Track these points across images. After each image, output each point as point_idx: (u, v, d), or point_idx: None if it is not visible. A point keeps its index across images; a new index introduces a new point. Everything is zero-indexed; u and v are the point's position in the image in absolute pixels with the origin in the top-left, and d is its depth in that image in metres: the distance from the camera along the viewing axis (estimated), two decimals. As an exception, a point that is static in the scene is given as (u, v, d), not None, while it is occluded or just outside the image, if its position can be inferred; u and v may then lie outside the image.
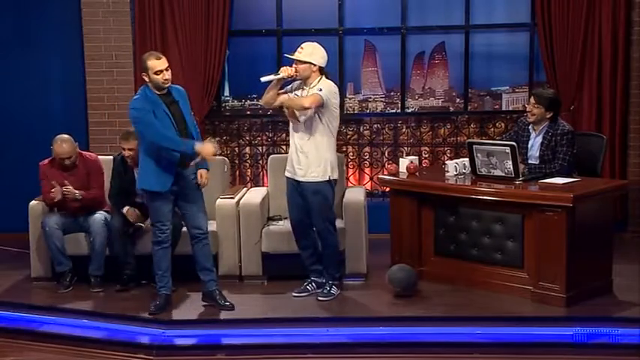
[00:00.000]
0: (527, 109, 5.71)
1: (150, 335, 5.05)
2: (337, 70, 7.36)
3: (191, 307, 5.39)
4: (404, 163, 6.04)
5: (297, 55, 5.31)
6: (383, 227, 6.17)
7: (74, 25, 7.19)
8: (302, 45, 5.35)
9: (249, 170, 7.61)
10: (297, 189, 5.43)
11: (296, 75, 5.32)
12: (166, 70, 5.23)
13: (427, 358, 4.83)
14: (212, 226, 5.86)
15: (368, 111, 7.59)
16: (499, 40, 7.37)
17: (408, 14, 7.30)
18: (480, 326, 4.98)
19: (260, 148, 7.57)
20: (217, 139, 5.24)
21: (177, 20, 7.09)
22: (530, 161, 5.70)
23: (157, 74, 5.19)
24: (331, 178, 5.35)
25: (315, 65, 5.29)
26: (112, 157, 6.13)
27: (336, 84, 5.47)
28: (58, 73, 7.37)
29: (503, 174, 5.49)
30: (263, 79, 5.33)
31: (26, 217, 5.96)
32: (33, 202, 5.97)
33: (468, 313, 5.16)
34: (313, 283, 5.60)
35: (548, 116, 5.62)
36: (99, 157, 6.13)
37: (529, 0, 7.16)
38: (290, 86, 5.47)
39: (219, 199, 5.97)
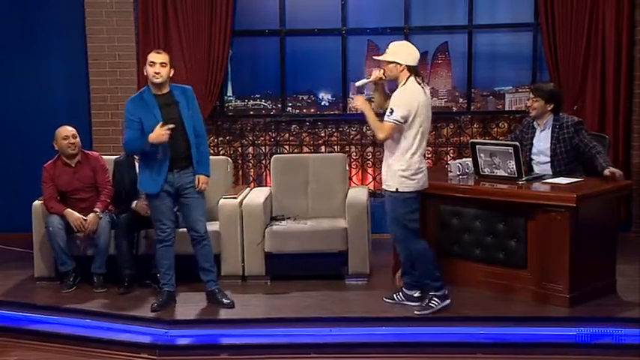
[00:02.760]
0: (528, 104, 5.73)
1: (153, 335, 5.05)
2: (340, 70, 7.38)
3: (194, 307, 5.39)
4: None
5: (382, 57, 5.06)
6: (386, 227, 6.15)
7: (77, 25, 7.20)
8: (389, 45, 5.07)
9: (252, 170, 7.62)
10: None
11: (384, 77, 5.07)
12: (161, 65, 5.20)
13: (430, 358, 4.82)
14: (215, 226, 5.87)
15: (371, 111, 7.59)
16: (502, 40, 7.37)
17: (411, 14, 7.30)
18: (483, 326, 4.98)
19: (263, 148, 7.57)
20: (170, 125, 5.11)
21: (181, 20, 7.09)
22: (536, 157, 5.69)
23: (150, 66, 5.21)
24: (399, 190, 5.01)
25: (400, 65, 4.98)
26: (114, 157, 6.14)
27: (423, 85, 5.03)
28: (62, 74, 7.38)
29: (507, 174, 5.49)
30: (357, 84, 5.28)
31: (30, 217, 5.96)
32: (36, 202, 5.97)
33: (471, 313, 5.15)
34: (400, 294, 5.35)
35: (549, 109, 5.62)
36: (102, 156, 6.13)
37: (532, 0, 7.17)
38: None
39: (222, 199, 5.97)
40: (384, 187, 5.16)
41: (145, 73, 5.29)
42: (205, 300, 5.44)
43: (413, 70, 5.00)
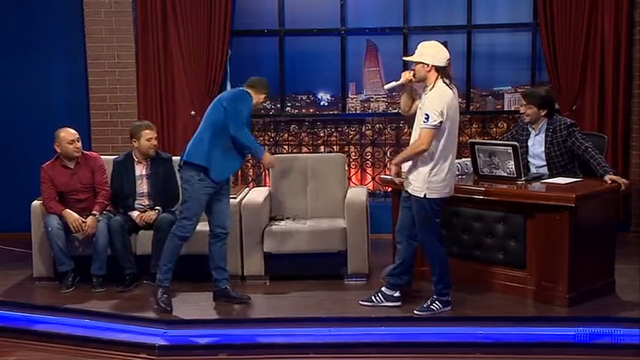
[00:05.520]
0: (521, 111, 5.70)
1: (152, 335, 5.05)
2: (339, 70, 7.39)
3: (193, 307, 5.38)
4: (406, 163, 6.02)
5: (409, 57, 4.97)
6: (385, 227, 6.18)
7: (76, 25, 7.21)
8: (418, 45, 4.96)
9: (251, 170, 7.62)
10: (404, 194, 5.17)
11: (414, 79, 4.98)
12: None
13: (429, 358, 4.82)
14: (214, 226, 5.88)
15: (370, 111, 7.60)
16: (501, 40, 7.38)
17: (410, 14, 7.31)
18: (482, 326, 4.98)
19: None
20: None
21: (180, 20, 7.09)
22: (532, 160, 5.70)
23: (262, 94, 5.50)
24: (427, 196, 4.93)
25: (427, 65, 4.87)
26: (113, 157, 6.14)
27: (451, 85, 4.93)
28: (61, 74, 7.38)
29: (506, 174, 5.49)
30: (386, 86, 5.29)
31: (29, 217, 5.96)
32: (35, 203, 5.97)
33: (470, 313, 5.15)
34: (380, 295, 5.29)
35: (543, 114, 5.60)
36: (101, 156, 6.13)
37: (531, 0, 7.17)
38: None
39: (221, 199, 5.96)
40: (409, 190, 5.03)
41: (254, 93, 5.45)
42: (204, 300, 5.44)
43: (441, 71, 4.88)
